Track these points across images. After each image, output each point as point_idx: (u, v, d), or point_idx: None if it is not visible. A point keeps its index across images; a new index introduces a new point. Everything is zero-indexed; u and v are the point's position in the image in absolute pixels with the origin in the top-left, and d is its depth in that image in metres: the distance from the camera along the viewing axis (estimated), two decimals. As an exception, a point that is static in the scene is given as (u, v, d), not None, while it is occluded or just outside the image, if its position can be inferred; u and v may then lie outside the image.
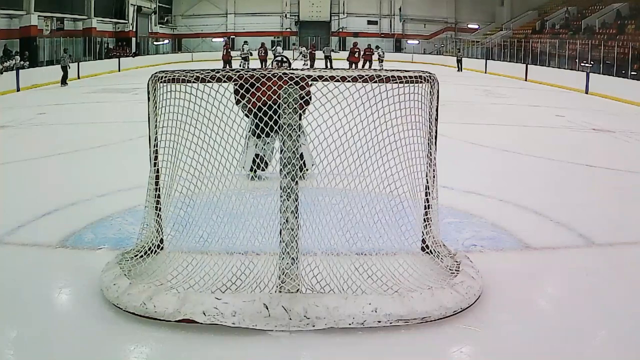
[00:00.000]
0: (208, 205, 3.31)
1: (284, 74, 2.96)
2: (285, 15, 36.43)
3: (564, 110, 12.18)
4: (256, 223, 3.26)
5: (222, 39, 31.78)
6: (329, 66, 22.48)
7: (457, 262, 3.34)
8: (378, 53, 23.87)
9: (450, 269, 3.30)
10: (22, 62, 17.58)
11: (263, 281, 3.03)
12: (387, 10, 36.80)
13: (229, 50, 23.81)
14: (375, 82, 3.08)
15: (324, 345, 2.70)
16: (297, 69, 3.07)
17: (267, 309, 2.79)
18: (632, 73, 16.36)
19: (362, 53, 22.60)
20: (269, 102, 3.13)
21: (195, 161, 3.26)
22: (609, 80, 15.90)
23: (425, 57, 31.20)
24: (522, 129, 9.66)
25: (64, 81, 17.69)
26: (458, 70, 25.48)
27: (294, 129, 2.97)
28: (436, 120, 3.44)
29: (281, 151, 3.00)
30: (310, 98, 3.39)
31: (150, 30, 32.27)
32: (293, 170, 2.96)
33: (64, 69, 17.82)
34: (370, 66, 21.75)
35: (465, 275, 3.17)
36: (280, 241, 3.00)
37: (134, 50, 28.67)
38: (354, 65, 21.24)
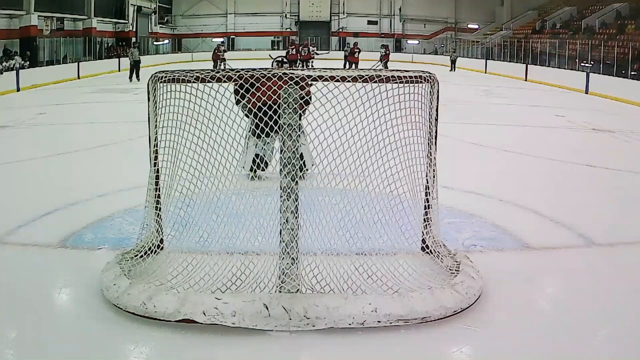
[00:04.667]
0: (208, 205, 3.31)
1: (284, 74, 2.96)
2: (285, 15, 36.43)
3: (564, 110, 12.17)
4: (256, 223, 3.25)
5: (222, 40, 31.65)
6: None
7: (457, 262, 3.34)
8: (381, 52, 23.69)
9: (450, 269, 3.30)
10: (22, 62, 17.60)
11: (263, 281, 3.03)
12: (387, 10, 36.80)
13: (298, 50, 23.66)
14: (375, 82, 3.07)
15: (324, 345, 2.70)
16: (297, 69, 3.07)
17: (267, 309, 2.78)
18: (632, 73, 16.37)
19: (382, 54, 22.48)
20: (269, 102, 3.12)
21: (195, 161, 3.25)
22: (609, 80, 15.89)
23: (425, 57, 31.19)
24: (522, 129, 9.66)
25: (137, 76, 18.03)
26: (451, 69, 25.00)
27: (294, 129, 2.97)
28: (436, 120, 3.44)
29: (281, 151, 3.00)
30: (310, 98, 3.39)
31: (150, 30, 32.26)
32: (293, 170, 2.96)
33: (136, 64, 18.21)
34: (386, 66, 21.55)
35: (465, 275, 3.17)
36: (280, 241, 3.00)
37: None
38: (354, 65, 21.20)
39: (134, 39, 28.63)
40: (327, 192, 3.19)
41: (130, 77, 18.31)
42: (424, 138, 3.39)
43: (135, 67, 18.44)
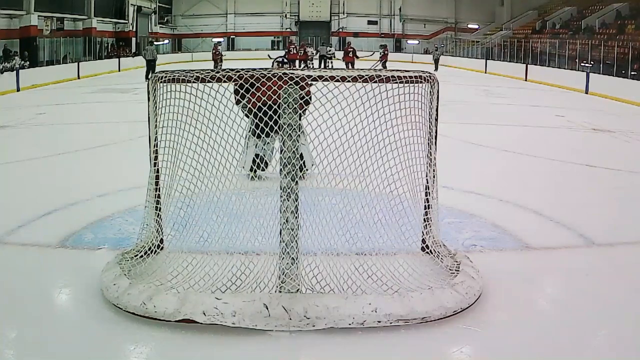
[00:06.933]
0: (208, 205, 3.31)
1: (284, 74, 2.96)
2: (285, 15, 36.45)
3: (564, 110, 12.17)
4: (256, 223, 3.25)
5: (220, 40, 31.54)
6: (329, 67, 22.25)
7: (457, 262, 3.34)
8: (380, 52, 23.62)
9: (450, 269, 3.30)
10: (22, 62, 17.59)
11: (263, 281, 3.03)
12: (387, 10, 36.82)
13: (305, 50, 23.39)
14: (375, 82, 3.08)
15: (324, 345, 2.70)
16: (297, 69, 3.07)
17: (267, 309, 2.79)
18: (632, 73, 16.37)
19: (381, 54, 22.48)
20: (269, 102, 3.12)
21: (195, 161, 3.25)
22: (609, 80, 15.89)
23: (426, 57, 31.18)
24: (522, 129, 9.66)
25: (147, 76, 17.29)
26: (435, 69, 24.80)
27: (294, 129, 2.97)
28: (436, 120, 3.44)
29: (281, 151, 3.00)
30: (310, 98, 3.39)
31: (150, 30, 32.25)
32: (293, 170, 2.96)
33: (151, 63, 17.24)
34: (384, 66, 21.57)
35: (465, 275, 3.17)
36: (280, 241, 3.00)
37: (134, 50, 28.67)
38: (349, 65, 21.18)
39: (132, 38, 28.65)
40: (327, 192, 3.19)
41: (146, 77, 17.73)
42: (424, 138, 3.39)
43: (149, 66, 17.60)
